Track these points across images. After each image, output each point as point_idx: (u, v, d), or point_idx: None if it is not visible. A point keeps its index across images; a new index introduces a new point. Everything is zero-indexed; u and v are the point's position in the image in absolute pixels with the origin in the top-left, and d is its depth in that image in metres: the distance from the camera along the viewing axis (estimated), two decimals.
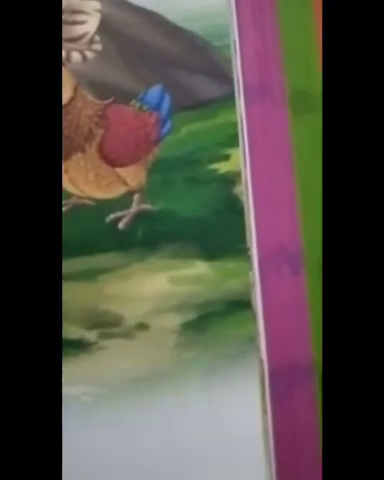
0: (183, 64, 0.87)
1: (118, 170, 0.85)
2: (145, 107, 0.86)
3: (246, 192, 0.83)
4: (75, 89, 0.85)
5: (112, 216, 0.83)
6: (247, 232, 0.82)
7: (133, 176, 0.85)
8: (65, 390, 0.80)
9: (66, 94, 0.84)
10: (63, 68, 0.85)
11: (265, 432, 0.79)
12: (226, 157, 0.84)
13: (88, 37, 0.87)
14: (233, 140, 0.84)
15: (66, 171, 0.84)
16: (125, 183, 0.85)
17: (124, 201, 0.84)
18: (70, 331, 0.81)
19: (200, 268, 0.82)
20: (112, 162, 0.84)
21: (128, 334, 0.81)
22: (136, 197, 0.84)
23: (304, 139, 0.85)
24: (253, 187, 0.83)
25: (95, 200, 0.84)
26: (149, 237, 0.83)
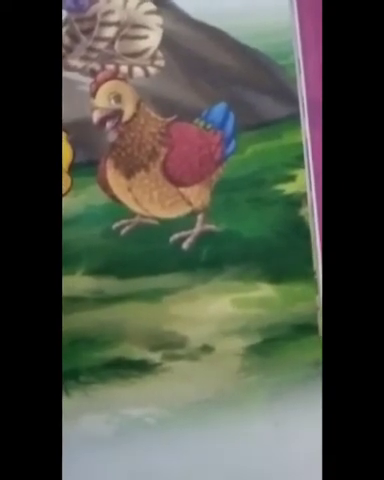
0: (247, 82, 0.86)
1: (182, 190, 0.84)
2: (209, 126, 0.85)
3: (312, 214, 0.82)
4: (138, 105, 0.84)
5: (176, 236, 0.82)
6: (313, 255, 0.81)
7: (197, 196, 0.84)
8: (129, 411, 0.79)
9: (129, 110, 0.83)
10: (126, 83, 0.84)
11: None
12: (292, 178, 0.83)
13: (150, 52, 0.86)
14: (299, 161, 0.83)
15: (129, 189, 0.83)
16: (189, 203, 0.84)
17: (188, 221, 0.83)
18: (133, 352, 0.80)
19: (265, 291, 0.82)
20: (176, 181, 0.83)
21: (192, 356, 0.81)
22: (200, 217, 0.83)
23: None
24: (319, 209, 0.83)
25: (159, 220, 0.83)
26: (213, 258, 0.82)
